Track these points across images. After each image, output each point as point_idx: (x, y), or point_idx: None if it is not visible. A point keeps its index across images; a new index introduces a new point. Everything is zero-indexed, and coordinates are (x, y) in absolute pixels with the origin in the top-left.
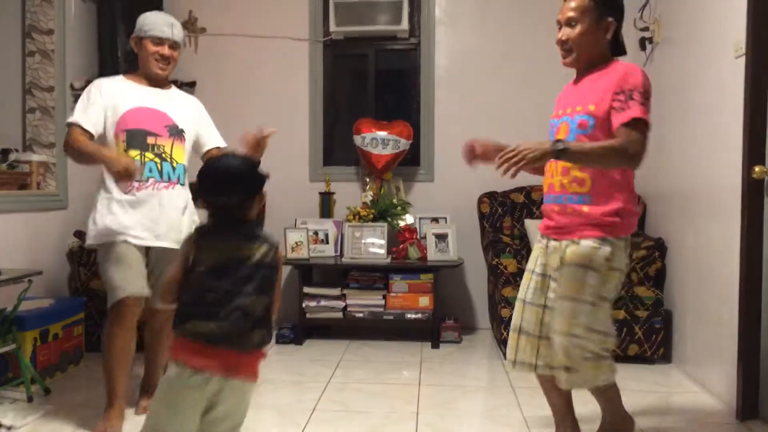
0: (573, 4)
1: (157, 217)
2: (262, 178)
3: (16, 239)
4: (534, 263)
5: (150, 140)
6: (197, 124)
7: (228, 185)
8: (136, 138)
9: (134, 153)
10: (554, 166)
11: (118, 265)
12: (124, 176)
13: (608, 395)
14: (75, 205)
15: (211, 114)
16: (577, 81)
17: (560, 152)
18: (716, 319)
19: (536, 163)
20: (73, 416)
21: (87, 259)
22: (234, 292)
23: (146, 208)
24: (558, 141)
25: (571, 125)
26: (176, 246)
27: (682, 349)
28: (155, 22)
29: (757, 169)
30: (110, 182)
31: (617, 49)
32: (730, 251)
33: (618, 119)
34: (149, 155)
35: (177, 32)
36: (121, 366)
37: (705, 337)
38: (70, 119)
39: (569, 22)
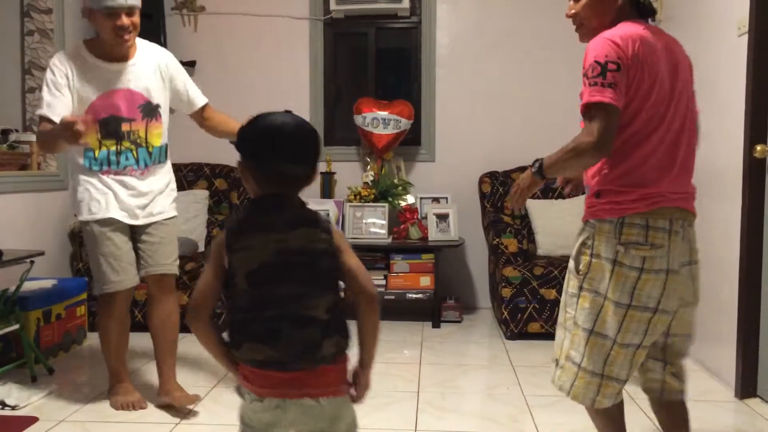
0: None
1: (136, 203)
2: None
3: (18, 220)
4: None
5: (125, 127)
6: (173, 83)
7: (302, 150)
8: (109, 127)
9: (109, 143)
10: None
11: (107, 256)
12: (73, 137)
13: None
14: None
15: (211, 93)
16: None
17: (538, 172)
18: (716, 298)
19: (532, 189)
20: (77, 395)
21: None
22: (286, 298)
23: (125, 195)
24: (535, 161)
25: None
26: (166, 216)
27: None
28: None
29: (758, 148)
30: (80, 169)
31: (642, 11)
32: (731, 231)
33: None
34: (126, 144)
35: None
36: (121, 344)
37: (704, 316)
38: (41, 110)
39: None
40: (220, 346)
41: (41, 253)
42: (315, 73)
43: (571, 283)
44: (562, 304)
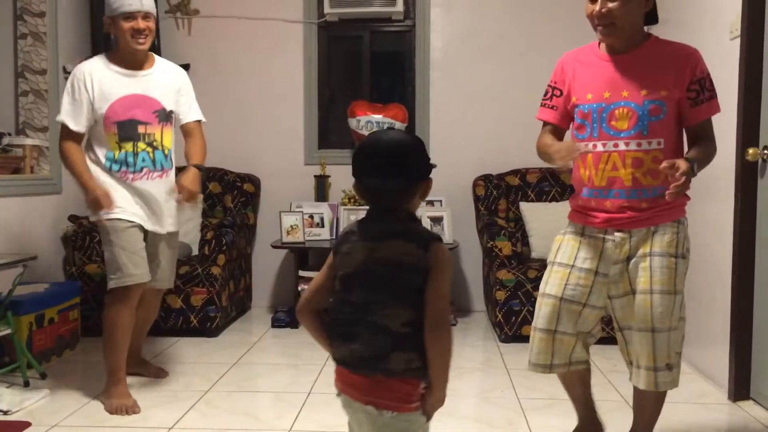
0: None
1: (153, 206)
2: (429, 163)
3: (10, 224)
4: (572, 258)
5: (141, 129)
6: (177, 95)
7: (387, 165)
8: (127, 129)
9: (127, 145)
10: (623, 158)
11: (126, 249)
12: (95, 207)
13: (662, 401)
14: (69, 189)
15: (204, 96)
16: (606, 58)
17: (693, 171)
18: (709, 300)
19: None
20: (70, 400)
21: (82, 243)
22: (366, 304)
23: (143, 198)
24: (688, 161)
25: (639, 111)
26: (173, 230)
27: None
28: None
29: (750, 151)
30: (101, 168)
31: (651, 17)
32: (724, 233)
33: (701, 114)
34: (141, 145)
35: (147, 2)
36: (126, 343)
37: (698, 318)
38: (60, 117)
39: None
40: (323, 340)
41: (34, 258)
42: (309, 77)
43: (676, 279)
44: (668, 305)
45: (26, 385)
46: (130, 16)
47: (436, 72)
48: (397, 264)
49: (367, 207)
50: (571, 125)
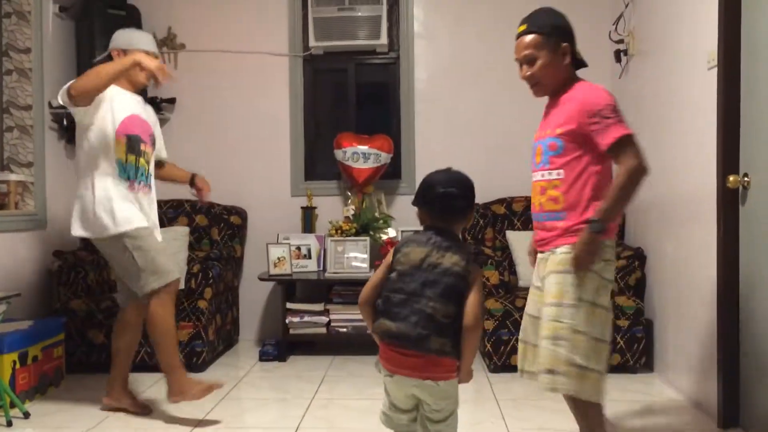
0: (527, 41)
1: (149, 216)
2: (474, 199)
3: None
4: (534, 276)
5: (142, 147)
6: (155, 128)
7: (454, 196)
8: (133, 143)
9: (132, 157)
10: (536, 188)
11: (160, 250)
12: (160, 71)
13: (589, 415)
14: (54, 225)
15: (191, 130)
16: (549, 104)
17: (599, 229)
18: (696, 327)
19: (596, 252)
20: None
21: (67, 279)
22: (417, 294)
23: (142, 210)
24: (590, 223)
25: (543, 147)
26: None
27: (664, 358)
28: (141, 38)
29: (731, 178)
30: (111, 177)
31: (579, 64)
32: (708, 259)
33: (604, 141)
34: (141, 161)
35: (156, 47)
36: (176, 337)
37: (686, 345)
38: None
39: (528, 60)
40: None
41: (17, 295)
42: (295, 109)
43: (565, 293)
44: (552, 316)
45: (9, 425)
46: (148, 54)
47: (420, 103)
48: (447, 270)
49: (424, 227)
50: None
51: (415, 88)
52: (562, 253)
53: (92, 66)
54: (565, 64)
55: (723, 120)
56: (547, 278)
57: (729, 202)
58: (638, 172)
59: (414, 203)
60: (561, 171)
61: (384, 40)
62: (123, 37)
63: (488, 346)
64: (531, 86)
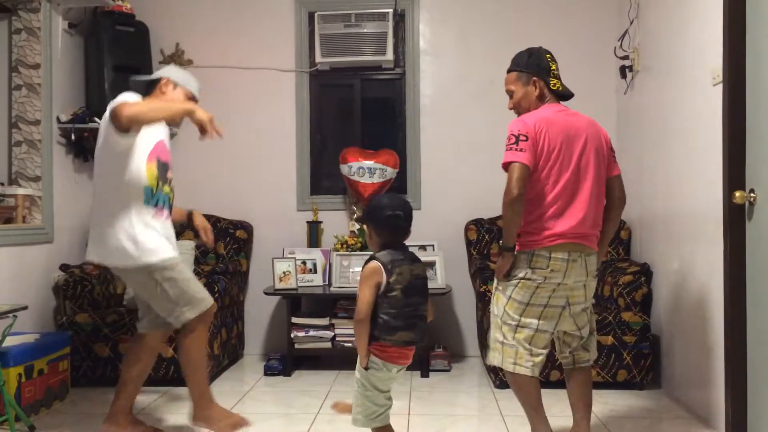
0: (508, 77)
1: (173, 242)
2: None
3: (1, 273)
4: None
5: (169, 174)
6: None
7: (409, 216)
8: (162, 169)
9: (162, 184)
10: None
11: (190, 279)
12: (209, 124)
13: (516, 385)
14: (61, 239)
15: (198, 144)
16: None
17: (501, 247)
18: (703, 343)
19: (506, 266)
20: None
21: (73, 293)
22: (418, 303)
23: (168, 236)
24: (500, 246)
25: None
26: None
27: (671, 374)
28: (193, 82)
29: (737, 194)
30: (138, 204)
31: (560, 95)
32: (714, 275)
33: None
34: (166, 188)
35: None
36: (207, 364)
37: (692, 361)
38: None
39: (509, 93)
40: (367, 340)
41: (24, 308)
42: (301, 124)
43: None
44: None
45: None
46: (192, 97)
47: (426, 118)
48: (424, 277)
49: (387, 243)
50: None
51: (420, 103)
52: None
53: (128, 83)
54: (536, 95)
55: (729, 136)
56: None
57: (735, 218)
58: (509, 201)
59: (362, 221)
60: None
61: (390, 56)
62: (179, 72)
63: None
64: (516, 114)
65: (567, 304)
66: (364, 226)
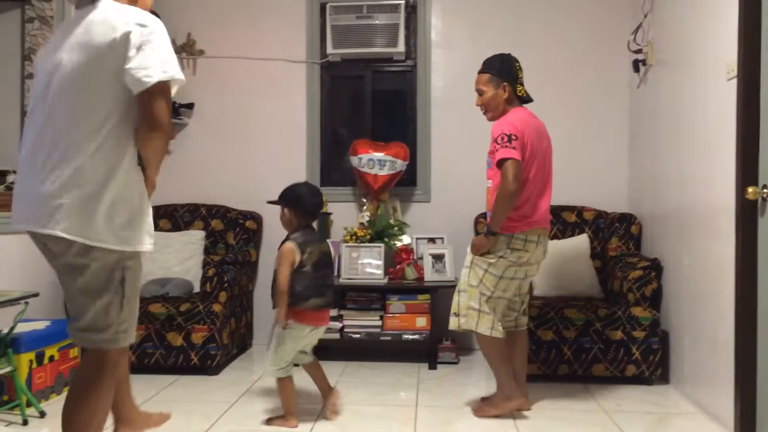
0: (481, 79)
1: None
2: None
3: (13, 260)
4: None
5: None
6: None
7: (317, 204)
8: None
9: None
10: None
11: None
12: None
13: (490, 349)
14: None
15: (208, 135)
16: None
17: (487, 232)
18: (713, 339)
19: (487, 247)
20: None
21: None
22: (328, 275)
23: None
24: (486, 227)
25: (486, 162)
26: None
27: (680, 370)
28: None
29: (750, 190)
30: (134, 160)
31: (523, 99)
32: (726, 271)
33: (494, 160)
34: None
35: None
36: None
37: (702, 357)
38: (175, 73)
39: (479, 92)
40: (286, 307)
41: (36, 295)
42: (311, 115)
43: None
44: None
45: (25, 423)
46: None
47: (437, 110)
48: (329, 252)
49: (303, 225)
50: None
51: (431, 95)
52: (476, 238)
53: None
54: (505, 98)
55: (742, 131)
56: None
57: (748, 214)
58: (503, 193)
59: (283, 206)
60: (490, 180)
61: (401, 47)
62: None
63: None
64: (483, 112)
65: (524, 276)
66: (285, 210)
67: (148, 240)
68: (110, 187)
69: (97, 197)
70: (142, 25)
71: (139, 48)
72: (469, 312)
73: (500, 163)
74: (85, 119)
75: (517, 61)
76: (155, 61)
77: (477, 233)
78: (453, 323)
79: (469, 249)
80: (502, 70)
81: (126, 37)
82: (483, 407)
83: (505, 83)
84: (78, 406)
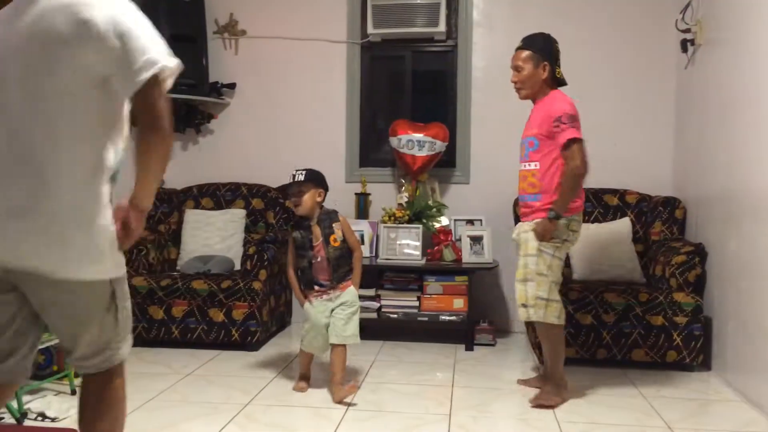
0: (521, 55)
1: None
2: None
3: None
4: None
5: None
6: None
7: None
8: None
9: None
10: (520, 175)
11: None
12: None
13: (553, 337)
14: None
15: (249, 114)
16: (532, 108)
17: (555, 216)
18: (758, 326)
19: (551, 232)
20: None
21: (129, 257)
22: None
23: None
24: (549, 211)
25: (525, 144)
26: None
27: (722, 357)
28: None
29: None
30: (106, 179)
31: (559, 81)
32: None
33: (558, 141)
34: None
35: None
36: None
37: (746, 345)
38: (169, 61)
39: (517, 69)
40: (299, 285)
41: None
42: (351, 96)
43: (529, 247)
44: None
45: (73, 393)
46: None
47: (477, 92)
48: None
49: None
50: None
51: (472, 76)
52: (534, 222)
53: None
54: (543, 78)
55: None
56: (522, 236)
57: None
58: (575, 172)
59: (320, 187)
60: (537, 163)
61: (442, 27)
62: None
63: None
64: (516, 89)
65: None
66: (319, 190)
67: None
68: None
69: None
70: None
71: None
72: (537, 302)
73: (568, 144)
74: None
75: (557, 42)
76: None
77: (516, 216)
78: (523, 314)
79: (528, 236)
80: (544, 50)
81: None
82: (543, 397)
83: (545, 63)
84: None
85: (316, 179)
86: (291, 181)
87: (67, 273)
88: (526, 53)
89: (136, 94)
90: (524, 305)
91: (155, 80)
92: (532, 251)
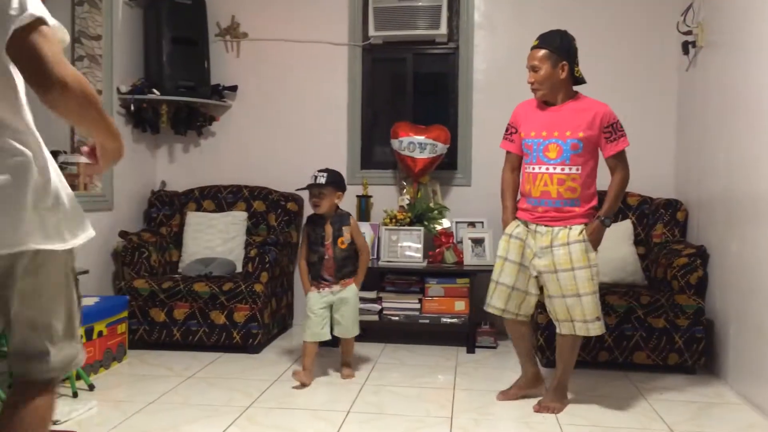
0: (537, 54)
1: None
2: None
3: None
4: (509, 237)
5: None
6: None
7: None
8: None
9: None
10: (548, 179)
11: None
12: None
13: (578, 348)
14: (120, 206)
15: (251, 117)
16: (545, 108)
17: (607, 222)
18: (760, 329)
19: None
20: (116, 412)
21: (131, 259)
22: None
23: None
24: (601, 219)
25: (563, 146)
26: None
27: (725, 360)
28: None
29: None
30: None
31: (577, 81)
32: None
33: (611, 149)
34: None
35: None
36: None
37: (748, 347)
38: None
39: (534, 68)
40: (307, 275)
41: (86, 272)
42: (353, 98)
43: (584, 258)
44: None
45: (75, 396)
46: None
47: (478, 94)
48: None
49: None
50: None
51: (473, 78)
52: (580, 229)
53: (169, 56)
54: (562, 78)
55: None
56: (570, 246)
57: None
58: (627, 180)
59: (339, 189)
60: (579, 167)
61: (444, 30)
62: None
63: (541, 340)
64: (532, 89)
65: None
66: (338, 193)
67: None
68: None
69: None
70: None
71: None
72: (599, 315)
73: (621, 152)
74: None
75: (575, 39)
76: None
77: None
78: (599, 328)
79: (583, 246)
80: (562, 48)
81: None
82: (547, 404)
83: (564, 62)
84: None
85: (336, 182)
86: (312, 182)
87: None
88: (542, 52)
89: (14, 47)
90: (597, 318)
91: (34, 28)
92: (590, 262)
